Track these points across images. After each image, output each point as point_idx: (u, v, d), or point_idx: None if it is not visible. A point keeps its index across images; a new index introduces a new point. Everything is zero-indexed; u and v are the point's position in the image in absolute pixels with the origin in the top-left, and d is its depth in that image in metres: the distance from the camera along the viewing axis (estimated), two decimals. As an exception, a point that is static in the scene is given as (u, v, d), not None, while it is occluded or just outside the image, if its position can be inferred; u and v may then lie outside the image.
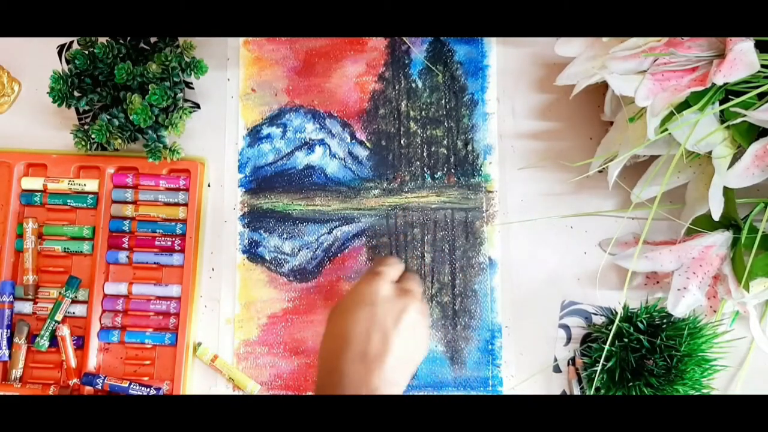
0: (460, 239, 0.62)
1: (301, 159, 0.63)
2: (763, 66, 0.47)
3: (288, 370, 0.61)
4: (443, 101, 0.64)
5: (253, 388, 0.60)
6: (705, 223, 0.54)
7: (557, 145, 0.63)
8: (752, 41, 0.47)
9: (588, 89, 0.56)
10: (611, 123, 0.59)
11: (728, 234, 0.55)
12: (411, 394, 0.61)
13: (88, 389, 0.59)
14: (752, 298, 0.54)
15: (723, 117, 0.51)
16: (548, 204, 0.62)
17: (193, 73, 0.59)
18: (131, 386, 0.58)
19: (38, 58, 0.63)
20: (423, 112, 0.64)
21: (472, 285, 0.62)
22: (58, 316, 0.60)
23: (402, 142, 0.63)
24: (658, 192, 0.54)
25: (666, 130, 0.50)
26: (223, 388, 0.61)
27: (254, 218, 0.63)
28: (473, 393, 0.60)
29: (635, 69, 0.52)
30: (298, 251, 0.62)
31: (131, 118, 0.56)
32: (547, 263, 0.62)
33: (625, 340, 0.55)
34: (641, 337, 0.54)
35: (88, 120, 0.63)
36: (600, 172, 0.59)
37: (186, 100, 0.63)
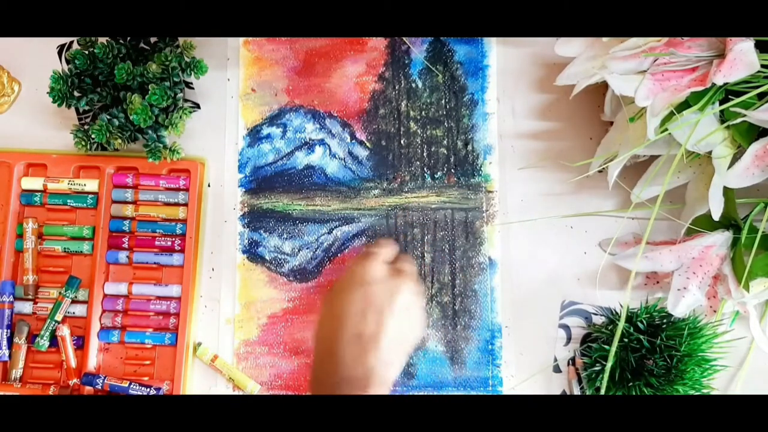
0: (460, 239, 0.62)
1: (301, 159, 0.63)
2: (763, 66, 0.47)
3: (288, 370, 0.61)
4: (443, 101, 0.64)
5: (253, 388, 0.60)
6: (705, 223, 0.54)
7: (557, 145, 0.63)
8: (752, 41, 0.47)
9: (588, 89, 0.56)
10: (611, 123, 0.59)
11: (728, 234, 0.55)
12: (411, 394, 0.61)
13: (88, 389, 0.59)
14: (752, 298, 0.54)
15: (723, 117, 0.51)
16: (548, 204, 0.62)
17: (193, 73, 0.59)
18: (131, 386, 0.58)
19: (38, 58, 0.63)
20: (423, 112, 0.64)
21: (472, 285, 0.62)
22: (58, 316, 0.60)
23: (402, 142, 0.63)
24: (657, 192, 0.54)
25: (666, 130, 0.50)
26: (223, 388, 0.61)
27: (254, 218, 0.63)
28: (473, 393, 0.60)
29: (635, 69, 0.52)
30: (298, 251, 0.62)
31: (131, 118, 0.56)
32: (547, 263, 0.62)
33: (625, 340, 0.55)
34: (641, 337, 0.54)
35: (88, 120, 0.63)
36: (600, 172, 0.59)
37: (186, 100, 0.63)
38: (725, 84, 0.48)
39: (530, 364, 0.61)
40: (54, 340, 0.60)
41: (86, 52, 0.58)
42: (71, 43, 0.63)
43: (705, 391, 0.55)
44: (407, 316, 0.49)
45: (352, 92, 0.64)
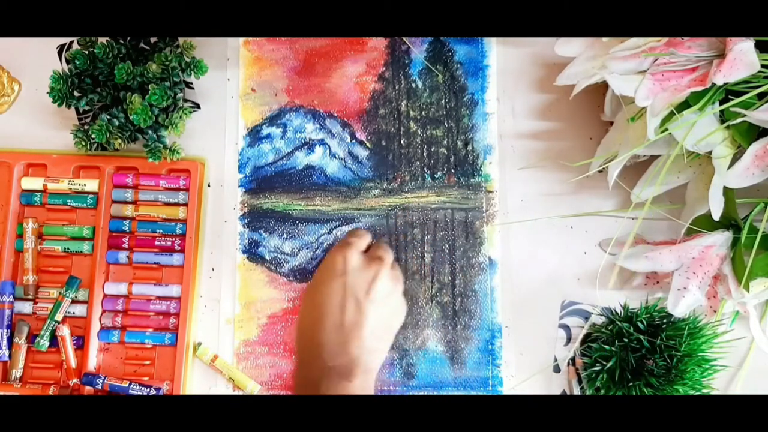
0: (460, 239, 0.62)
1: (301, 159, 0.63)
2: (763, 66, 0.47)
3: (288, 370, 0.61)
4: (443, 101, 0.64)
5: (253, 388, 0.60)
6: (705, 223, 0.54)
7: (557, 145, 0.63)
8: (752, 41, 0.47)
9: (588, 89, 0.56)
10: (611, 123, 0.59)
11: (728, 234, 0.55)
12: (411, 394, 0.61)
13: (88, 389, 0.59)
14: (752, 298, 0.54)
15: (723, 117, 0.51)
16: (548, 204, 0.62)
17: (193, 73, 0.59)
18: (131, 386, 0.58)
19: (38, 58, 0.63)
20: (423, 112, 0.64)
21: (472, 285, 0.62)
22: (58, 316, 0.60)
23: (402, 142, 0.63)
24: (657, 192, 0.54)
25: (666, 130, 0.50)
26: (223, 388, 0.61)
27: (254, 218, 0.63)
28: (473, 393, 0.60)
29: (635, 69, 0.52)
30: (298, 251, 0.62)
31: (131, 118, 0.56)
32: (547, 263, 0.62)
33: (625, 340, 0.55)
34: (641, 337, 0.54)
35: (88, 120, 0.63)
36: (600, 172, 0.59)
37: (186, 100, 0.63)
38: (725, 84, 0.48)
39: (530, 364, 0.61)
40: (54, 340, 0.60)
41: (86, 52, 0.58)
42: (71, 43, 0.63)
43: (705, 391, 0.55)
44: (387, 302, 0.50)
45: (352, 92, 0.64)
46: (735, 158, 0.51)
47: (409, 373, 0.61)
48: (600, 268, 0.61)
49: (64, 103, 0.58)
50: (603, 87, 0.58)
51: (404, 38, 0.64)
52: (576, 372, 0.60)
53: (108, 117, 0.57)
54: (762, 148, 0.50)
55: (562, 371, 0.61)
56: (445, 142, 0.63)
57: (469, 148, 0.63)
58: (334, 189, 0.63)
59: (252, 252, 0.62)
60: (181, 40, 0.61)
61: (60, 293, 0.60)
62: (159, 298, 0.61)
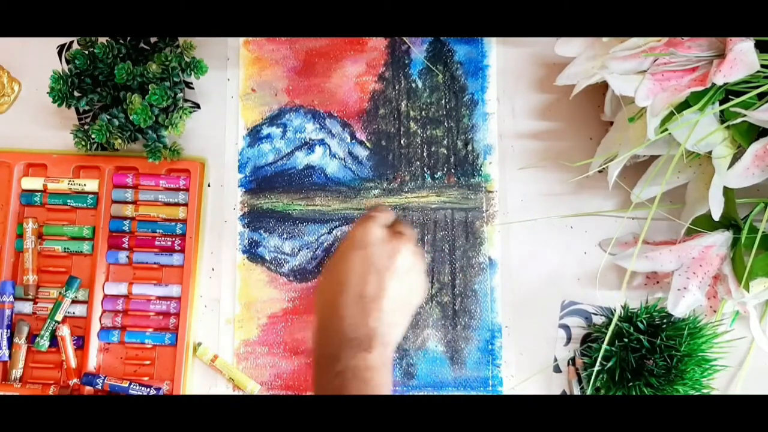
0: (460, 239, 0.62)
1: (301, 159, 0.63)
2: (763, 66, 0.47)
3: (288, 370, 0.61)
4: (443, 101, 0.64)
5: (253, 388, 0.60)
6: (705, 223, 0.54)
7: (557, 145, 0.63)
8: (752, 41, 0.47)
9: (588, 89, 0.56)
10: (611, 123, 0.59)
11: (728, 234, 0.55)
12: (411, 394, 0.61)
13: (88, 389, 0.59)
14: (752, 298, 0.54)
15: (723, 117, 0.51)
16: (548, 204, 0.62)
17: (193, 73, 0.59)
18: (131, 386, 0.58)
19: (38, 58, 0.63)
20: (423, 112, 0.64)
21: (472, 285, 0.62)
22: (58, 316, 0.60)
23: (402, 142, 0.63)
24: (657, 192, 0.54)
25: (666, 130, 0.50)
26: (223, 388, 0.61)
27: (254, 218, 0.63)
28: (473, 393, 0.60)
29: (635, 69, 0.52)
30: (298, 251, 0.62)
31: (131, 118, 0.56)
32: (547, 263, 0.62)
33: (625, 340, 0.55)
34: (641, 337, 0.54)
35: (88, 120, 0.63)
36: (600, 172, 0.59)
37: (186, 100, 0.63)
38: (725, 84, 0.48)
39: (530, 364, 0.61)
40: (54, 340, 0.60)
41: (86, 52, 0.58)
42: (71, 43, 0.63)
43: (705, 391, 0.55)
44: (408, 278, 0.49)
45: (352, 92, 0.64)
46: (735, 158, 0.51)
47: (409, 373, 0.61)
48: (600, 268, 0.61)
49: (64, 103, 0.58)
50: (603, 87, 0.58)
51: (404, 38, 0.64)
52: (576, 372, 0.60)
53: (108, 117, 0.57)
54: (762, 148, 0.50)
55: (562, 371, 0.61)
56: (445, 142, 0.63)
57: (469, 148, 0.63)
58: (334, 189, 0.63)
59: (252, 252, 0.62)
60: (181, 40, 0.61)
61: (60, 293, 0.60)
62: (159, 298, 0.61)
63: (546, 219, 0.62)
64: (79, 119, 0.63)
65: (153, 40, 0.61)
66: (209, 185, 0.63)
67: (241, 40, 0.64)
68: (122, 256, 0.61)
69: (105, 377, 0.59)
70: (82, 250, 0.61)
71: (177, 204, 0.61)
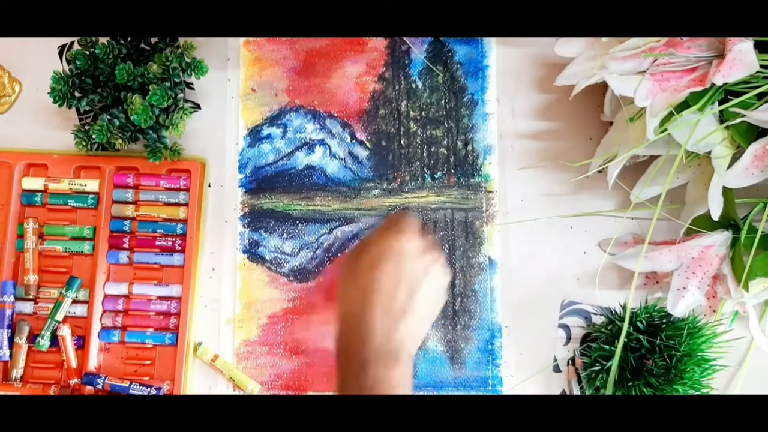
0: (460, 239, 0.62)
1: (302, 159, 0.63)
2: (762, 66, 0.47)
3: (288, 370, 0.61)
4: (443, 101, 0.64)
5: (254, 388, 0.60)
6: (704, 223, 0.54)
7: (557, 145, 0.63)
8: (752, 41, 0.47)
9: (588, 89, 0.56)
10: (611, 123, 0.59)
11: (728, 234, 0.55)
12: (411, 394, 0.61)
13: (88, 389, 0.59)
14: (752, 298, 0.54)
15: (722, 117, 0.51)
16: (548, 204, 0.62)
17: (193, 73, 0.59)
18: (132, 386, 0.58)
19: (39, 58, 0.63)
20: (423, 113, 0.64)
21: (472, 285, 0.62)
22: (59, 316, 0.60)
23: (402, 142, 0.64)
24: (657, 192, 0.54)
25: (665, 130, 0.50)
26: (223, 388, 0.61)
27: (254, 218, 0.63)
28: (473, 393, 0.60)
29: (635, 69, 0.52)
30: (299, 251, 0.62)
31: (132, 118, 0.56)
32: (546, 263, 0.62)
33: (625, 339, 0.55)
34: (641, 337, 0.54)
35: (88, 120, 0.63)
36: (600, 172, 0.60)
37: (186, 101, 0.63)
38: (724, 84, 0.48)
39: (530, 364, 0.61)
40: (55, 340, 0.60)
41: (87, 53, 0.58)
42: (72, 43, 0.63)
43: (705, 391, 0.55)
44: (434, 294, 0.50)
45: (352, 92, 0.64)
46: (734, 158, 0.51)
47: (409, 373, 0.61)
48: (599, 268, 0.61)
49: (65, 104, 0.58)
50: (603, 87, 0.58)
51: (404, 38, 0.64)
52: (576, 372, 0.60)
53: (108, 117, 0.58)
54: (761, 148, 0.50)
55: (562, 371, 0.61)
56: (445, 142, 0.63)
57: (469, 148, 0.63)
58: (335, 189, 0.63)
59: (252, 252, 0.62)
60: (181, 40, 0.61)
61: (61, 293, 0.60)
62: (159, 298, 0.61)
63: (546, 219, 0.62)
64: (80, 119, 0.63)
65: (153, 40, 0.61)
66: (210, 185, 0.63)
67: (242, 40, 0.64)
68: (123, 256, 0.61)
69: (105, 377, 0.59)
70: (82, 250, 0.61)
71: (177, 204, 0.61)
